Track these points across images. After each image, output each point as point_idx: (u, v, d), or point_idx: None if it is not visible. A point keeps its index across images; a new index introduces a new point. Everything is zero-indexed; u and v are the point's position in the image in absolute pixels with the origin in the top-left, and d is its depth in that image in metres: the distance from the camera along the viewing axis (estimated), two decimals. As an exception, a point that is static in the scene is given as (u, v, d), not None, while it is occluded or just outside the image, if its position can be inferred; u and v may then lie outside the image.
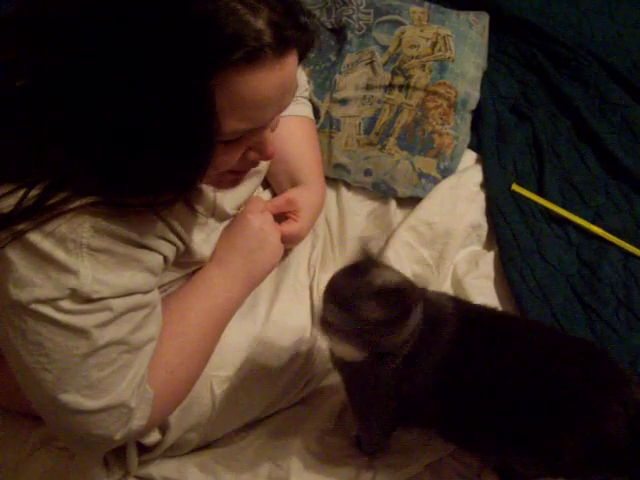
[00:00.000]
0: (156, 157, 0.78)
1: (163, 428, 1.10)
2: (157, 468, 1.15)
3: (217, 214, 1.09)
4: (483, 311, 1.06)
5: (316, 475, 1.16)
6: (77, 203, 0.80)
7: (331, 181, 1.50)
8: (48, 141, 0.79)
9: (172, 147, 0.78)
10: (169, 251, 0.96)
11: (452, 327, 0.99)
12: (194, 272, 1.10)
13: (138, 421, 0.93)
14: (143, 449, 1.13)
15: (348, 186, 1.51)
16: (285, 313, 1.21)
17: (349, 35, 1.60)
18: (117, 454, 1.12)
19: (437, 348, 0.98)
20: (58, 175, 0.80)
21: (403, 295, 0.89)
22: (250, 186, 1.17)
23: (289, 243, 1.20)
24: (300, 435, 1.20)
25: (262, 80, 0.78)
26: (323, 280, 1.28)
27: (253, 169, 1.14)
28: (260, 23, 0.74)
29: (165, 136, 0.76)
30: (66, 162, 0.79)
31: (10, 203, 0.79)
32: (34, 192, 0.79)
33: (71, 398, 0.86)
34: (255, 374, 1.16)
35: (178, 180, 0.83)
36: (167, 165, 0.80)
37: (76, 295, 0.81)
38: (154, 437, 1.10)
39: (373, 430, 1.14)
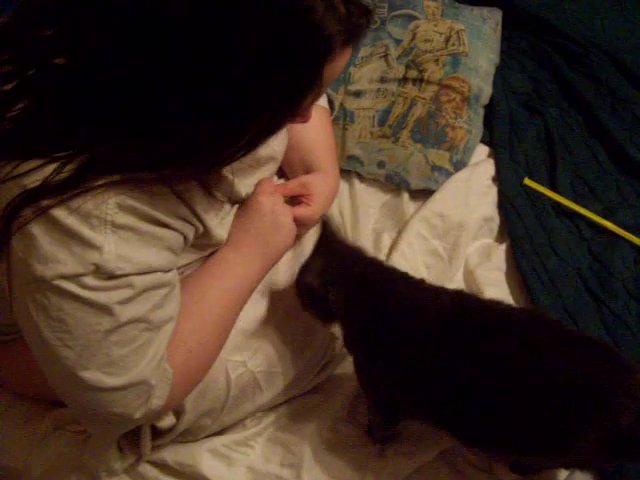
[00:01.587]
0: (225, 128, 0.80)
1: (178, 412, 1.10)
2: (170, 453, 1.16)
3: (233, 198, 1.10)
4: (489, 308, 1.05)
5: (328, 462, 1.17)
6: (102, 180, 0.80)
7: (344, 173, 1.51)
8: (89, 118, 0.79)
9: (250, 121, 0.80)
10: (189, 231, 0.96)
11: (440, 323, 1.00)
12: (210, 255, 1.11)
13: (157, 400, 0.94)
14: (156, 434, 1.13)
15: (361, 178, 1.52)
16: (300, 301, 1.22)
17: (363, 28, 1.60)
18: (130, 439, 1.12)
19: (419, 340, 1.00)
20: (92, 151, 0.80)
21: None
22: (266, 173, 1.18)
23: (301, 227, 1.20)
24: (313, 423, 1.21)
25: (339, 65, 0.82)
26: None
27: (268, 156, 1.16)
28: (342, 11, 0.76)
29: (245, 112, 0.79)
30: (112, 137, 0.80)
31: (36, 179, 0.79)
32: (61, 168, 0.79)
33: (92, 375, 0.86)
34: (270, 360, 1.16)
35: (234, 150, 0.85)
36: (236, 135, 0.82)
37: (99, 271, 0.82)
38: (169, 420, 1.10)
39: (376, 414, 1.15)
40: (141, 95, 0.77)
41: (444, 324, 1.00)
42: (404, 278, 1.07)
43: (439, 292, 1.05)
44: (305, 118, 0.95)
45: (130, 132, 0.79)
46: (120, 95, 0.77)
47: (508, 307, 1.05)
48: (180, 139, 0.80)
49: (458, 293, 1.06)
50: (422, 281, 1.07)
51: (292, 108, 0.82)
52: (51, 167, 0.79)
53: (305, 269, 1.09)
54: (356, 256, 1.08)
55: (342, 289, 1.03)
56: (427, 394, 1.02)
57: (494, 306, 1.05)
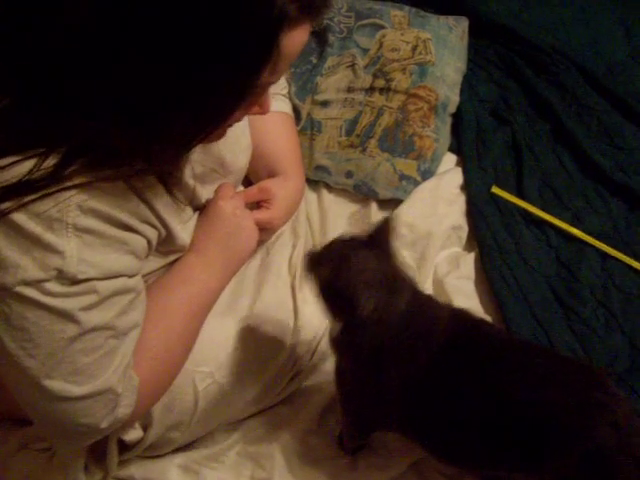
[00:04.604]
0: (188, 111, 0.78)
1: (145, 424, 1.09)
2: (139, 469, 1.15)
3: (195, 204, 1.09)
4: (480, 329, 1.05)
5: (299, 476, 1.16)
6: (64, 184, 0.79)
7: (312, 183, 1.51)
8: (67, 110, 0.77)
9: (209, 98, 0.78)
10: (152, 235, 0.95)
11: (440, 340, 0.99)
12: (173, 263, 1.09)
13: (124, 409, 0.92)
14: (123, 448, 1.11)
15: (329, 188, 1.52)
16: (267, 311, 1.21)
17: (330, 38, 1.61)
18: (96, 455, 1.11)
19: (418, 356, 0.99)
20: (56, 147, 0.79)
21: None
22: (231, 181, 1.17)
23: (263, 232, 1.19)
24: (283, 436, 1.20)
25: (297, 39, 0.80)
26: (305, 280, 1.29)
27: (233, 164, 1.15)
28: None
29: (206, 88, 0.77)
30: (90, 128, 0.78)
31: None
32: (23, 170, 0.77)
33: (57, 385, 0.84)
34: (237, 370, 1.15)
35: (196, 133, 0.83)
36: (197, 118, 0.80)
37: (62, 276, 0.80)
38: (136, 434, 1.09)
39: (350, 425, 1.15)
40: (107, 78, 0.74)
41: (439, 347, 0.99)
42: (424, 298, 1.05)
43: (441, 312, 1.04)
44: (263, 108, 0.94)
45: (99, 121, 0.77)
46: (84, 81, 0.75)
47: (502, 332, 1.09)
48: (148, 117, 0.77)
49: (455, 314, 1.06)
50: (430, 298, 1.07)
51: (250, 78, 0.79)
52: (11, 170, 0.77)
53: (343, 258, 0.97)
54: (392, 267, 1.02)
55: (375, 296, 0.94)
56: (412, 411, 1.02)
57: (488, 330, 1.06)
